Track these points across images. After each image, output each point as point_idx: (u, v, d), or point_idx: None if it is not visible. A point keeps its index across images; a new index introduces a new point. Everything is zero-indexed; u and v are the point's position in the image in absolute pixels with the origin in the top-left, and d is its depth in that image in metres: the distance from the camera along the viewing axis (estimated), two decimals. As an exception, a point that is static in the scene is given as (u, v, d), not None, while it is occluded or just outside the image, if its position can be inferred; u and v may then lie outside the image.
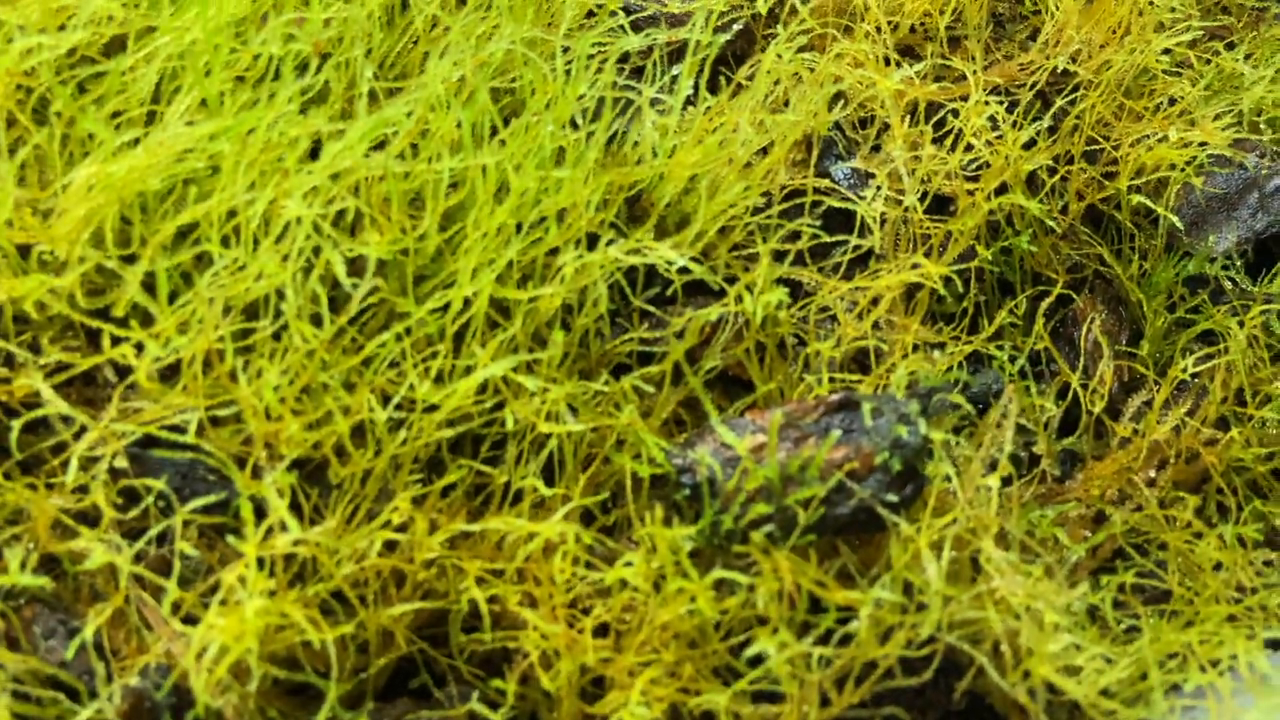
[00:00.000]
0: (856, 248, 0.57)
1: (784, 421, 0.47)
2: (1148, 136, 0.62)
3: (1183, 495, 0.53)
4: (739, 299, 0.53)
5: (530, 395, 0.49)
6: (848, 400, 0.47)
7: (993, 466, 0.49)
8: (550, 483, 0.49)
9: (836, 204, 0.57)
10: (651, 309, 0.54)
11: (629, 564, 0.45)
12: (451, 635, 0.48)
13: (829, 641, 0.45)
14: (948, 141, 0.60)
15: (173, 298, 0.49)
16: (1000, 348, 0.55)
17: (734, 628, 0.47)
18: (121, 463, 0.47)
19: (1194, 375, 0.58)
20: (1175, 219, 0.60)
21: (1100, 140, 0.62)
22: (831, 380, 0.53)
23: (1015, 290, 0.59)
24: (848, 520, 0.46)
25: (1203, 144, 0.62)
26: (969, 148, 0.59)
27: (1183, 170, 0.61)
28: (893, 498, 0.46)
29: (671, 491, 0.48)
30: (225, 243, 0.49)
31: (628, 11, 0.60)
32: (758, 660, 0.45)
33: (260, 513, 0.46)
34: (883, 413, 0.47)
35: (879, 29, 0.62)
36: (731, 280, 0.55)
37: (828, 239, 0.56)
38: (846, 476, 0.46)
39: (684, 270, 0.53)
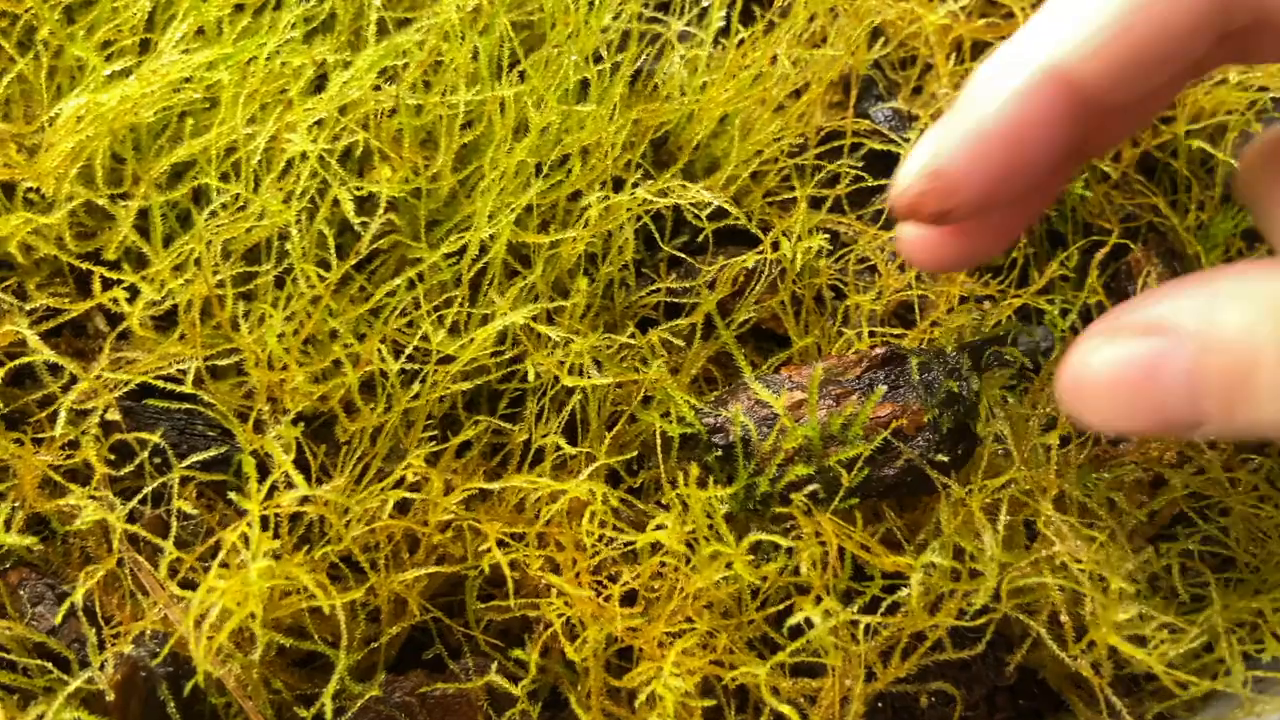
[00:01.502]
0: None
1: (824, 377, 0.44)
2: (1206, 79, 0.58)
3: (1249, 455, 0.50)
4: (774, 246, 0.49)
5: (552, 347, 0.45)
6: (893, 354, 0.44)
7: (1050, 426, 0.46)
8: (573, 441, 0.46)
9: (878, 146, 0.53)
10: (682, 255, 0.50)
11: (661, 527, 0.41)
12: (468, 603, 0.45)
13: (875, 610, 0.42)
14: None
15: (168, 240, 0.46)
16: (1051, 302, 0.51)
17: (771, 596, 0.43)
18: (114, 416, 0.44)
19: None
20: (1235, 166, 0.57)
21: (1155, 84, 0.58)
22: (872, 334, 0.50)
23: (1066, 241, 0.55)
24: (895, 482, 0.43)
25: (1263, 88, 0.58)
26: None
27: (1243, 115, 0.57)
28: (943, 458, 0.42)
29: (703, 452, 0.44)
30: (224, 180, 0.46)
31: (654, -59, 0.57)
32: (797, 630, 0.42)
33: (263, 469, 0.43)
34: (931, 368, 0.43)
35: (921, -37, 0.58)
36: (766, 228, 0.52)
37: (871, 182, 0.52)
38: (893, 435, 0.42)
39: (716, 215, 0.50)
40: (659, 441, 0.45)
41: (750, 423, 0.44)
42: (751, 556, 0.42)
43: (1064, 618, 0.42)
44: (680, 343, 0.49)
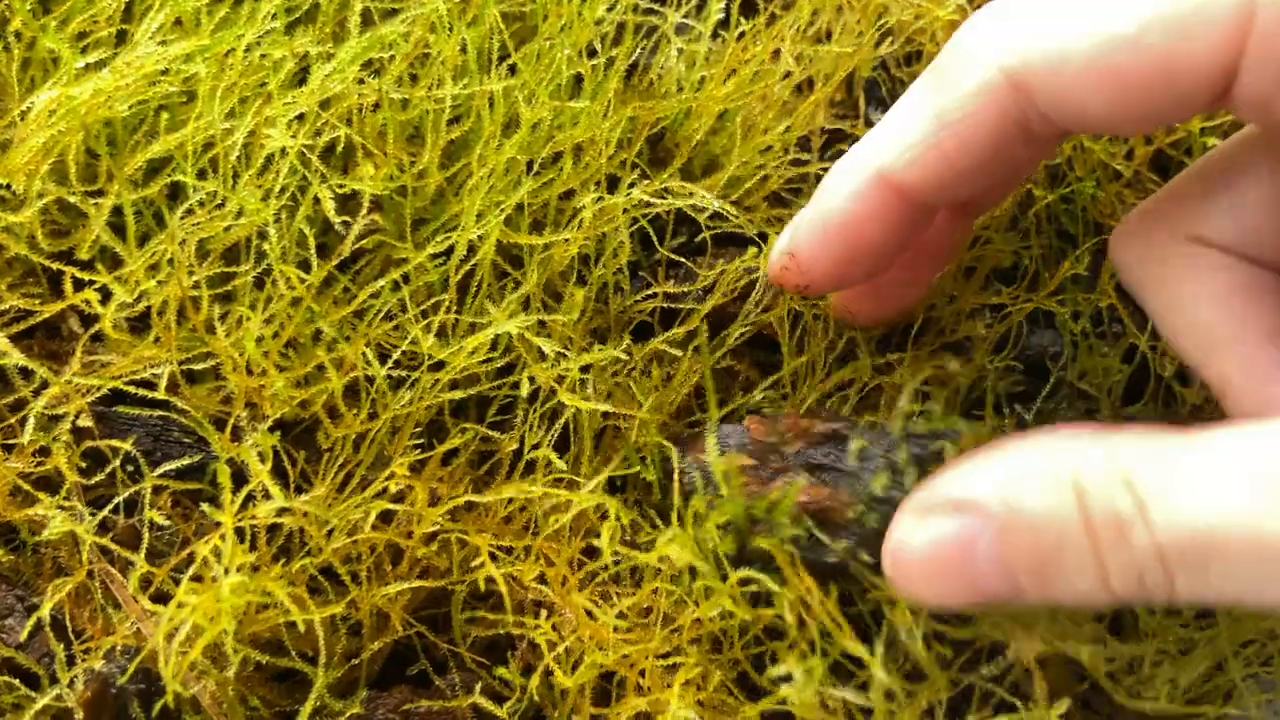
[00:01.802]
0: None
1: (773, 439, 0.41)
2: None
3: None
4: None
5: (550, 363, 0.43)
6: (836, 433, 0.41)
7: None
8: (562, 451, 0.44)
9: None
10: (680, 259, 0.48)
11: (669, 541, 0.39)
12: (454, 618, 0.43)
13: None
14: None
15: (143, 239, 0.44)
16: (1062, 303, 0.49)
17: (758, 635, 0.42)
18: (86, 422, 0.42)
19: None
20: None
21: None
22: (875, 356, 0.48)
23: (1077, 241, 0.53)
24: (831, 569, 0.40)
25: None
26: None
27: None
28: (867, 558, 0.39)
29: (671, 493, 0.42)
30: (201, 176, 0.44)
31: (651, -69, 0.55)
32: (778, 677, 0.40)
33: (240, 479, 0.41)
34: (870, 456, 0.40)
35: (928, -45, 0.56)
36: (765, 235, 0.50)
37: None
38: (819, 524, 0.39)
39: (716, 216, 0.48)
40: (652, 459, 0.44)
41: (697, 475, 0.41)
42: (746, 590, 0.40)
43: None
44: (677, 352, 0.47)
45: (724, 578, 0.39)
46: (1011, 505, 0.32)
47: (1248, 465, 0.29)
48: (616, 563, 0.41)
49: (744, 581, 0.39)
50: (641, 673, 0.40)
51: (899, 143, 0.37)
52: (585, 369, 0.44)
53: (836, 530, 0.39)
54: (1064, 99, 0.34)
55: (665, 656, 0.41)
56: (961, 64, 0.35)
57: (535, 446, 0.44)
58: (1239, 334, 0.37)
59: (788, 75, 0.51)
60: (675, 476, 0.42)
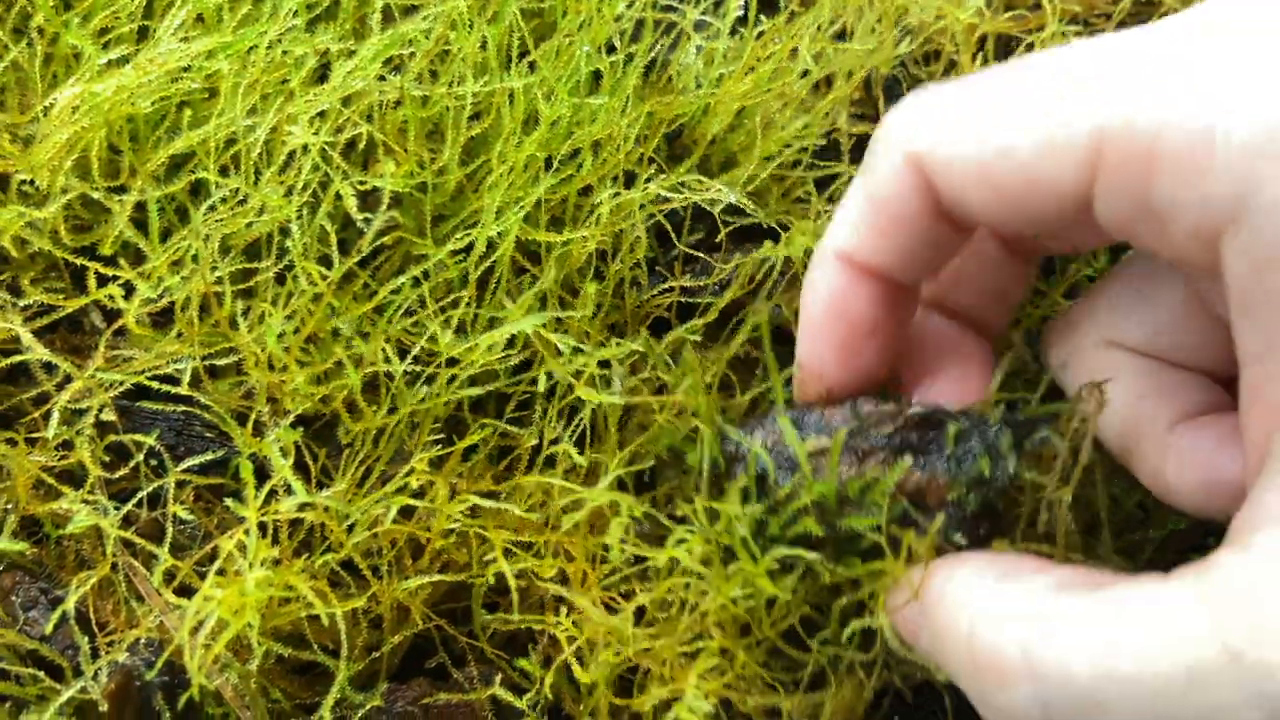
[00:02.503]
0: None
1: (855, 428, 0.40)
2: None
3: None
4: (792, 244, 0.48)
5: (566, 358, 0.43)
6: (930, 417, 0.40)
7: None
8: (582, 446, 0.45)
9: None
10: (698, 254, 0.48)
11: (682, 541, 0.40)
12: (474, 611, 0.44)
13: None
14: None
15: (166, 234, 0.44)
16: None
17: (789, 610, 0.42)
18: (109, 416, 0.43)
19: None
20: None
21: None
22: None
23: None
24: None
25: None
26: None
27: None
28: (961, 540, 0.39)
29: (724, 478, 0.42)
30: (224, 173, 0.44)
31: (669, -73, 0.55)
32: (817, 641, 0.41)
33: (262, 474, 0.41)
34: (969, 437, 0.39)
35: (946, -48, 0.56)
36: (785, 226, 0.50)
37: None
38: (914, 503, 0.39)
39: (733, 213, 0.48)
40: (672, 456, 0.44)
41: (769, 459, 0.40)
42: (776, 567, 0.40)
43: None
44: (695, 338, 0.47)
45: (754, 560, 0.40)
46: (928, 612, 0.35)
47: (1141, 634, 0.30)
48: (639, 560, 0.41)
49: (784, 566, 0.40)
50: (663, 662, 0.40)
51: (845, 222, 0.39)
52: (604, 364, 0.44)
53: (930, 512, 0.39)
54: (954, 193, 0.36)
55: (692, 640, 0.41)
56: (880, 149, 0.38)
57: (554, 442, 0.44)
58: (1151, 432, 0.40)
59: (806, 74, 0.51)
60: (730, 459, 0.41)
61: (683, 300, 0.48)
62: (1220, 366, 0.41)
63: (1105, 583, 0.32)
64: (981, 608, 0.33)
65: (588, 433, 0.45)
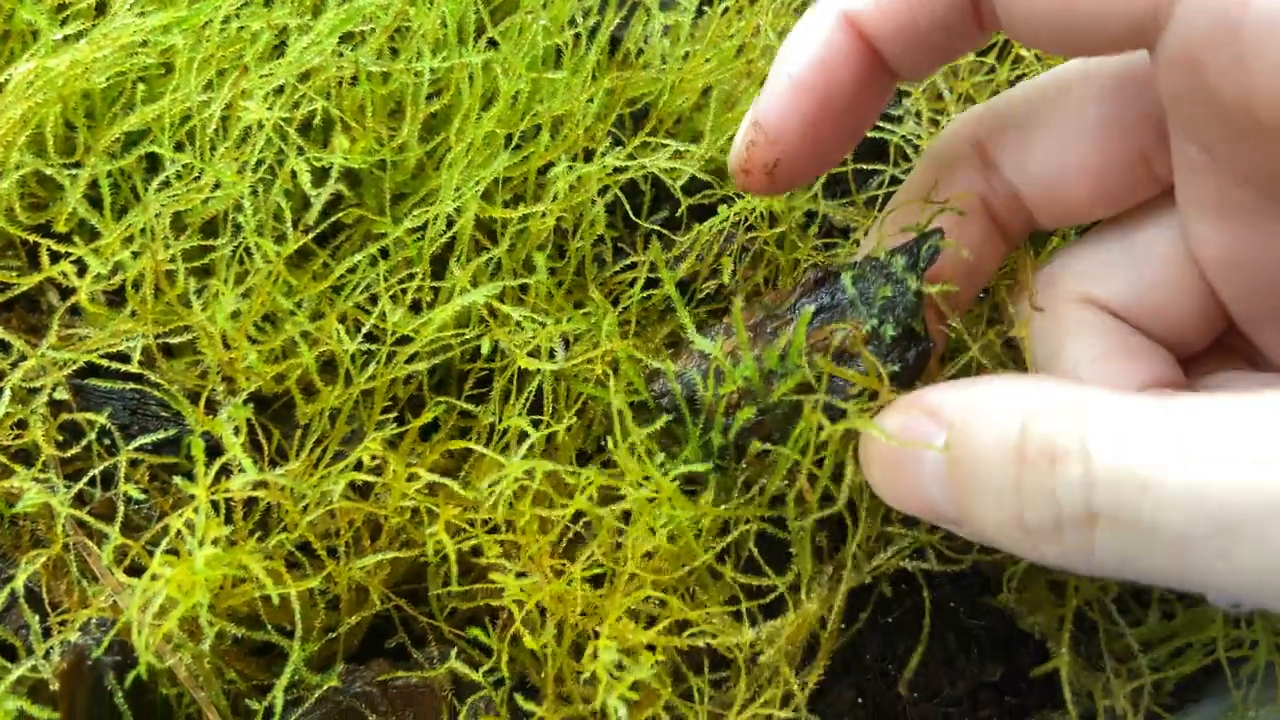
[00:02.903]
0: (894, 179, 0.51)
1: (761, 315, 0.41)
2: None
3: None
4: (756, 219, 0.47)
5: (515, 328, 0.43)
6: (825, 274, 0.40)
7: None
8: (538, 420, 0.44)
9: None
10: (663, 230, 0.48)
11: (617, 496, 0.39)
12: (431, 589, 0.43)
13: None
14: (991, 55, 0.54)
15: (121, 211, 0.44)
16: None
17: (715, 529, 0.41)
18: (62, 394, 0.42)
19: None
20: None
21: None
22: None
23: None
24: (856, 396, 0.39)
25: None
26: (1018, 60, 0.52)
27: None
28: (894, 368, 0.38)
29: (655, 417, 0.42)
30: (178, 149, 0.44)
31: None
32: (752, 563, 0.40)
33: (215, 452, 0.41)
34: (865, 277, 0.40)
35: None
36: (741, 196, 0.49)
37: (853, 166, 0.50)
38: (837, 356, 0.39)
39: (695, 190, 0.47)
40: (617, 414, 0.43)
41: (697, 376, 0.41)
42: (698, 493, 0.40)
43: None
44: (654, 308, 0.47)
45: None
46: (965, 419, 0.33)
47: (1205, 429, 0.28)
48: (586, 524, 0.41)
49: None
50: (607, 619, 0.40)
51: None
52: (564, 340, 0.43)
53: (854, 360, 0.39)
54: None
55: (634, 594, 0.40)
56: None
57: (515, 415, 0.44)
58: None
59: (770, 49, 0.50)
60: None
61: (650, 276, 0.48)
62: (1186, 339, 0.41)
63: (1167, 394, 0.31)
64: (1036, 404, 0.31)
65: (546, 404, 0.44)
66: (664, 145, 0.46)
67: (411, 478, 0.43)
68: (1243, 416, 0.28)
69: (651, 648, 0.39)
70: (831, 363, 0.38)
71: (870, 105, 0.39)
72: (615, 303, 0.47)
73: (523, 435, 0.43)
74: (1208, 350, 0.42)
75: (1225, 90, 0.32)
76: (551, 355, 0.43)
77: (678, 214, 0.48)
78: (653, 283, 0.47)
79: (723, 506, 0.40)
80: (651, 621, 0.40)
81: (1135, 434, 0.29)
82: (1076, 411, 0.30)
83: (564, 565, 0.40)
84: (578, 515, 0.42)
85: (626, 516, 0.41)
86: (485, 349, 0.42)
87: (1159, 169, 0.39)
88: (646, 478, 0.39)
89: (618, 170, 0.45)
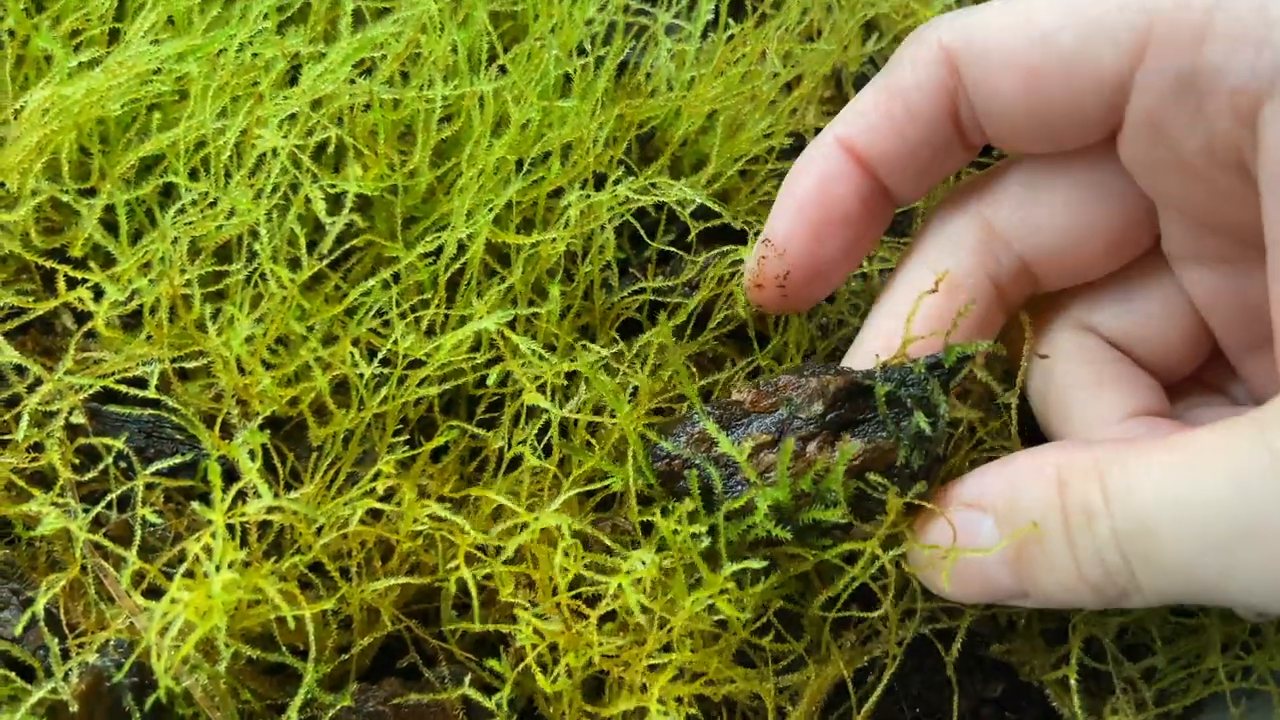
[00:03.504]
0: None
1: (788, 413, 0.40)
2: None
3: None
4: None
5: (525, 362, 0.43)
6: (855, 385, 0.39)
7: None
8: (549, 444, 0.45)
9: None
10: (672, 249, 0.49)
11: (642, 563, 0.40)
12: (443, 613, 0.44)
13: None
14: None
15: (136, 237, 0.44)
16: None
17: (762, 607, 0.42)
18: (79, 419, 0.43)
19: None
20: None
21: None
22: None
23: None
24: (871, 513, 0.40)
25: None
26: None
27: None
28: (920, 487, 0.39)
29: (668, 498, 0.42)
30: (193, 176, 0.44)
31: (642, -71, 0.55)
32: (780, 636, 0.41)
33: (231, 476, 0.41)
34: (898, 396, 0.39)
35: (919, -47, 0.56)
36: (750, 226, 0.50)
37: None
38: (861, 480, 0.39)
39: (703, 215, 0.48)
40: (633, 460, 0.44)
41: (713, 471, 0.40)
42: (733, 585, 0.40)
43: None
44: (668, 342, 0.47)
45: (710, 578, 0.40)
46: (1010, 500, 0.35)
47: (1195, 458, 0.30)
48: (601, 569, 0.42)
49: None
50: (629, 668, 0.41)
51: (854, 110, 0.40)
52: (568, 379, 0.44)
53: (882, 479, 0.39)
54: (984, 85, 0.37)
55: (666, 650, 0.41)
56: (911, 44, 0.39)
57: (523, 442, 0.44)
58: (1093, 426, 0.41)
59: (775, 75, 0.51)
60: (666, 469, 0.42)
61: (654, 300, 0.49)
62: (1172, 366, 0.42)
63: (1174, 431, 0.33)
64: (1066, 472, 0.34)
65: (555, 440, 0.45)
66: (670, 183, 0.47)
67: (422, 501, 0.43)
68: (1219, 445, 0.31)
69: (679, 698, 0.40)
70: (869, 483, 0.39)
71: (870, 224, 0.42)
72: (625, 330, 0.48)
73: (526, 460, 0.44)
74: (1190, 382, 0.43)
75: (1187, 144, 0.34)
76: (569, 381, 0.43)
77: (688, 238, 0.49)
78: (660, 308, 0.48)
79: (744, 590, 0.40)
80: (678, 676, 0.40)
81: (1139, 487, 0.31)
82: (1096, 471, 0.33)
83: (582, 607, 0.41)
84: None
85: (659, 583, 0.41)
86: (493, 381, 0.42)
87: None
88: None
89: (629, 200, 0.46)
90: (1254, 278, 0.38)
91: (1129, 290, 0.42)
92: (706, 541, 0.39)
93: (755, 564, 0.39)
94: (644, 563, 0.39)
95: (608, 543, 0.41)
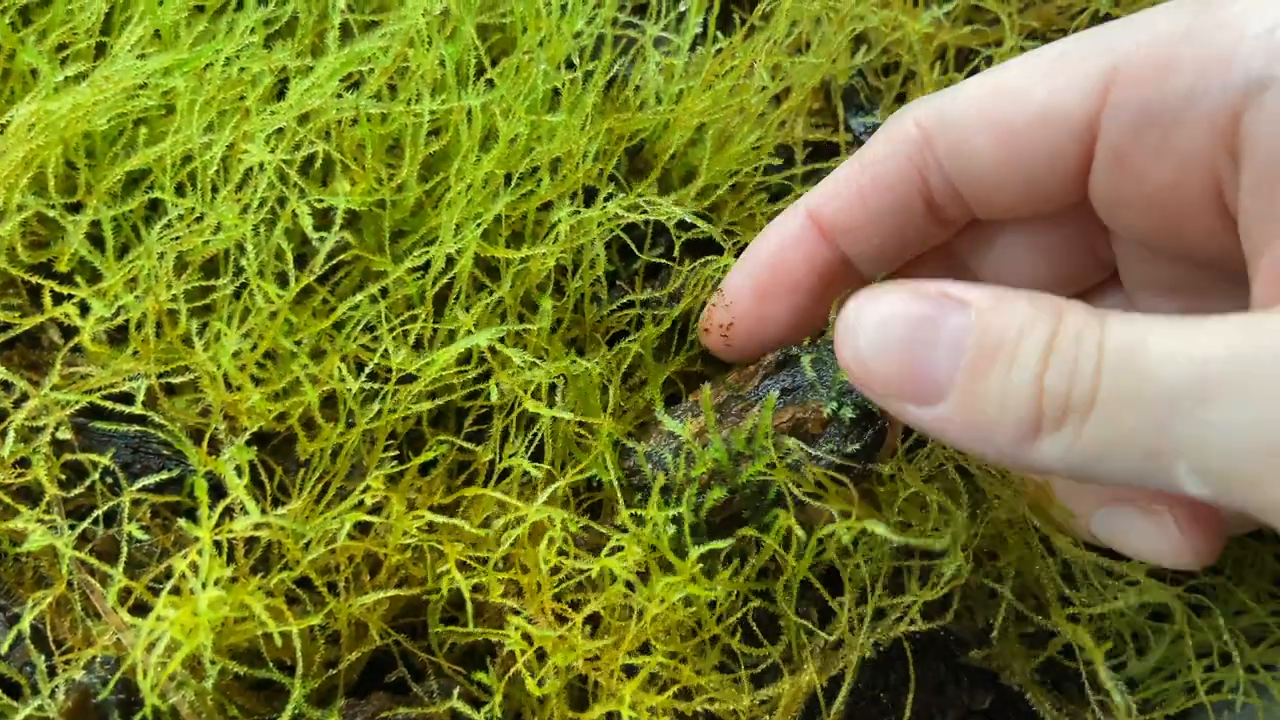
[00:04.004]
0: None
1: (726, 395, 0.43)
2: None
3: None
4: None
5: (516, 370, 0.44)
6: (785, 358, 0.43)
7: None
8: (540, 458, 0.45)
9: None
10: (663, 260, 0.49)
11: (619, 548, 0.41)
12: (430, 626, 0.44)
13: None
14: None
15: (122, 252, 0.44)
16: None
17: (733, 605, 0.43)
18: (65, 434, 0.43)
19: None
20: None
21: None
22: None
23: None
24: (823, 475, 0.41)
25: None
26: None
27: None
28: (854, 447, 0.41)
29: (635, 492, 0.44)
30: (180, 191, 0.44)
31: (631, -58, 0.55)
32: (758, 641, 0.42)
33: (218, 492, 0.41)
34: (824, 362, 0.42)
35: (906, -34, 0.56)
36: (734, 237, 0.50)
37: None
38: (800, 437, 0.41)
39: (690, 226, 0.48)
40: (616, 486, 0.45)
41: (668, 455, 0.43)
42: (701, 566, 0.41)
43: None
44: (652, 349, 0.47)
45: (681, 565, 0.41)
46: (997, 306, 0.32)
47: (1199, 324, 0.29)
48: (583, 572, 0.42)
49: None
50: (610, 674, 0.41)
51: (827, 181, 0.42)
52: (555, 384, 0.44)
53: (816, 440, 0.41)
54: (961, 142, 0.38)
55: (638, 651, 0.41)
56: (889, 121, 0.40)
57: (513, 455, 0.45)
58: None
59: (764, 88, 0.51)
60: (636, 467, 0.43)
61: (643, 314, 0.49)
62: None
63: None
64: (1067, 305, 0.32)
65: (545, 443, 0.45)
66: (655, 201, 0.47)
67: (413, 512, 0.43)
68: (1230, 323, 0.29)
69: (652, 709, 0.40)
70: (798, 444, 0.41)
71: (823, 292, 0.43)
72: (613, 342, 0.48)
73: (526, 474, 0.44)
74: None
75: (1153, 176, 0.34)
76: (553, 390, 0.44)
77: (674, 253, 0.49)
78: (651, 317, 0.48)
79: (714, 579, 0.42)
80: (651, 680, 0.41)
81: (1141, 328, 0.30)
82: (1098, 315, 0.31)
83: (566, 611, 0.41)
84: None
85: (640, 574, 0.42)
86: (495, 398, 0.43)
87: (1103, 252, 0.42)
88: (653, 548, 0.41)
89: (618, 216, 0.46)
90: (1210, 304, 0.39)
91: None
92: (672, 529, 0.42)
93: (720, 544, 0.41)
94: (624, 546, 0.40)
95: (599, 529, 0.42)
